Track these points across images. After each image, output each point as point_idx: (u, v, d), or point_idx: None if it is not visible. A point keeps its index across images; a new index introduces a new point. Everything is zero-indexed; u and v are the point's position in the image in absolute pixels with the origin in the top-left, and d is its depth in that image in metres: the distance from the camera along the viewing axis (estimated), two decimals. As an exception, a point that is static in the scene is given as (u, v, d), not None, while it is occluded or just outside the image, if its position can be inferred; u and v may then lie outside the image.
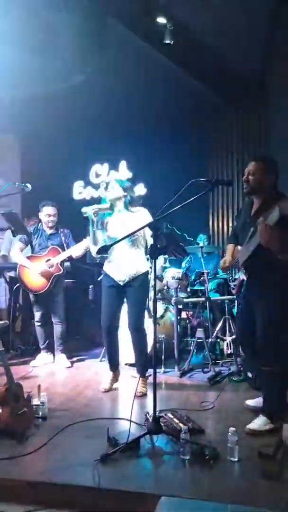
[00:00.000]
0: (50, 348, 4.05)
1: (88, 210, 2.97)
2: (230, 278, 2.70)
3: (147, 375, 3.13)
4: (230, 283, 2.70)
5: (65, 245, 3.96)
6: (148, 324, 3.24)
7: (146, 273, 3.09)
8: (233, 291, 2.70)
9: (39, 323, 4.01)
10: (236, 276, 2.60)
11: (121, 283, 3.03)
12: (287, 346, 2.36)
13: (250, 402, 2.67)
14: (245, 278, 2.46)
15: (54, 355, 4.04)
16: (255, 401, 2.64)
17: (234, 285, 2.63)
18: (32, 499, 1.84)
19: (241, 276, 2.50)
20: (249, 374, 3.19)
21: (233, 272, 2.63)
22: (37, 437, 2.29)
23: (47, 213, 3.96)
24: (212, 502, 1.58)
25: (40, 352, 4.05)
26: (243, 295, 2.58)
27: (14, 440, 2.22)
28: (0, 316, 4.84)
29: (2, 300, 4.91)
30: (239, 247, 2.54)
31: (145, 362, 3.10)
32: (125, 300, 3.12)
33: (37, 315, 4.00)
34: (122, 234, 2.64)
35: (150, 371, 3.35)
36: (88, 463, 1.98)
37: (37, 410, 2.55)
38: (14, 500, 1.85)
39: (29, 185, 3.02)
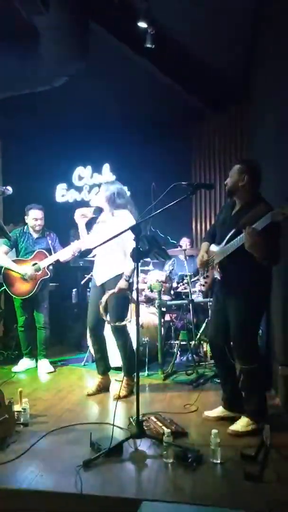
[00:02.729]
0: (32, 354, 4.00)
1: (77, 215, 3.13)
2: (201, 275, 2.71)
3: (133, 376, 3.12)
4: (200, 280, 2.72)
5: (52, 249, 3.93)
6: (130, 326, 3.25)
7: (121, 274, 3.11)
8: (203, 288, 2.72)
9: (22, 329, 3.96)
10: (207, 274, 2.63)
11: (98, 283, 3.12)
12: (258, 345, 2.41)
13: (210, 413, 2.60)
14: (218, 277, 2.49)
15: (36, 360, 3.99)
16: (215, 411, 2.61)
17: (205, 282, 2.64)
18: (13, 507, 1.81)
19: (215, 274, 2.52)
20: (217, 380, 3.22)
21: (207, 270, 2.65)
22: (19, 444, 2.25)
23: (34, 217, 3.92)
24: (195, 506, 1.58)
25: (22, 357, 3.99)
26: (215, 296, 2.61)
27: (-5, 448, 2.19)
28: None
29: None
30: (213, 246, 2.57)
31: (131, 363, 3.09)
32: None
33: (21, 320, 3.95)
34: (104, 236, 2.65)
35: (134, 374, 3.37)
36: (71, 469, 1.96)
37: (19, 416, 2.51)
38: (-5, 509, 1.82)
39: (10, 188, 2.97)
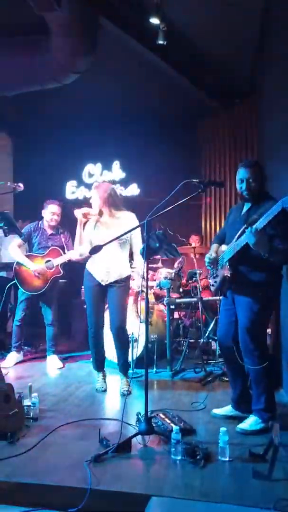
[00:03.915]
0: (21, 348, 4.02)
1: (78, 214, 3.05)
2: (210, 275, 2.70)
3: (130, 374, 3.19)
4: (210, 279, 2.71)
5: (65, 246, 3.93)
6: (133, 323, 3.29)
7: (129, 276, 3.15)
8: (212, 288, 2.71)
9: (18, 323, 3.93)
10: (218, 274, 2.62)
11: (103, 283, 3.07)
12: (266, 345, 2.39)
13: (218, 411, 2.61)
14: (228, 275, 2.48)
15: (23, 354, 4.03)
16: (223, 410, 2.61)
17: (215, 282, 2.63)
18: (23, 500, 1.83)
19: (224, 273, 2.51)
20: (225, 378, 3.22)
21: (215, 269, 2.63)
22: (28, 438, 2.28)
23: (51, 211, 3.89)
24: (203, 502, 1.58)
25: (10, 351, 3.97)
26: (225, 295, 2.59)
27: (5, 441, 2.21)
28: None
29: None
30: (223, 246, 2.56)
31: (127, 362, 3.19)
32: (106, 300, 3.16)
33: (20, 314, 3.93)
34: (108, 237, 2.66)
35: (141, 371, 3.39)
36: (80, 464, 1.98)
37: (28, 411, 2.53)
38: (5, 501, 1.84)
39: (21, 185, 3.00)
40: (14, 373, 3.65)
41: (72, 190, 6.09)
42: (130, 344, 3.39)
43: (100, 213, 3.10)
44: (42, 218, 3.98)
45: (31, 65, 3.89)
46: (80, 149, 5.69)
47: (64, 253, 3.89)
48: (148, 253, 2.33)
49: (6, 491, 1.85)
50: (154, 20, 3.57)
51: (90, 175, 6.02)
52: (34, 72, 3.93)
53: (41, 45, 3.83)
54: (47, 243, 3.92)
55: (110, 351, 3.48)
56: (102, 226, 3.09)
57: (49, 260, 3.85)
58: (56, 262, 3.84)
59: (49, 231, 3.96)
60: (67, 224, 4.26)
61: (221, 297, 2.71)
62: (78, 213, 3.05)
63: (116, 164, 5.84)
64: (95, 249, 2.46)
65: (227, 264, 2.46)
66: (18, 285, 3.90)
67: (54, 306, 3.98)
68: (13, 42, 4.00)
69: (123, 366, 3.16)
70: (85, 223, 3.10)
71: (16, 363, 3.92)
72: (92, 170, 6.00)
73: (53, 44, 3.65)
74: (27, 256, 3.88)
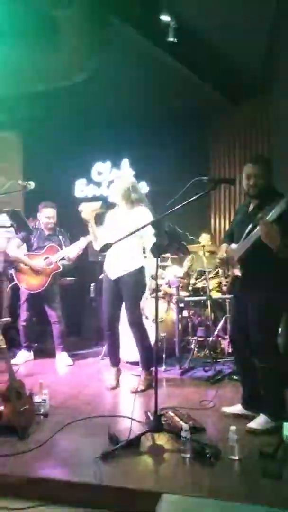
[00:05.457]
0: (31, 346, 4.08)
1: (83, 210, 3.06)
2: (223, 275, 2.69)
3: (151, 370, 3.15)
4: (222, 279, 2.70)
5: (63, 244, 3.99)
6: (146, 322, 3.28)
7: (141, 270, 3.10)
8: (224, 288, 2.70)
9: (24, 323, 4.00)
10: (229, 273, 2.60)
11: (112, 278, 3.09)
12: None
13: (228, 410, 2.60)
14: (239, 274, 2.47)
15: (33, 353, 4.08)
16: (233, 408, 2.59)
17: (227, 282, 2.63)
18: (34, 495, 1.85)
19: (235, 272, 2.50)
20: (234, 377, 3.21)
21: (227, 269, 2.62)
22: (39, 434, 2.30)
23: (46, 215, 3.99)
24: (214, 500, 1.59)
25: (20, 349, 4.05)
26: (235, 294, 2.58)
27: (16, 437, 2.23)
28: (2, 313, 4.84)
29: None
30: (233, 245, 2.55)
31: (148, 357, 3.12)
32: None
33: (24, 314, 3.99)
34: (120, 231, 2.67)
35: (152, 368, 3.39)
36: (90, 460, 1.99)
37: (39, 407, 2.56)
38: (16, 496, 1.86)
39: (32, 183, 3.03)
40: (24, 370, 3.69)
41: (81, 189, 6.11)
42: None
43: (107, 206, 3.13)
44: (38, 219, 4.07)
45: (42, 64, 3.90)
46: (89, 147, 5.70)
47: (62, 249, 3.93)
48: (158, 251, 2.33)
49: (17, 486, 1.88)
50: (165, 18, 3.56)
51: (100, 173, 6.03)
52: (45, 71, 3.94)
53: (52, 44, 3.83)
54: (44, 242, 3.99)
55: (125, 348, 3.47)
56: (116, 220, 3.11)
57: (47, 257, 3.89)
58: (54, 258, 3.88)
59: (47, 232, 4.03)
60: (76, 221, 4.28)
61: (231, 295, 2.71)
62: (84, 211, 3.05)
63: (125, 162, 5.84)
64: (106, 247, 2.47)
65: (237, 263, 2.45)
66: (19, 285, 3.94)
67: (58, 303, 4.01)
68: (24, 41, 4.02)
69: (143, 361, 3.14)
70: (95, 219, 3.12)
71: (26, 361, 3.97)
72: (102, 168, 6.02)
73: (64, 43, 3.66)
74: (26, 255, 3.94)
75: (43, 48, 3.92)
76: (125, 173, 5.60)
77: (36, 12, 3.37)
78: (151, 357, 3.07)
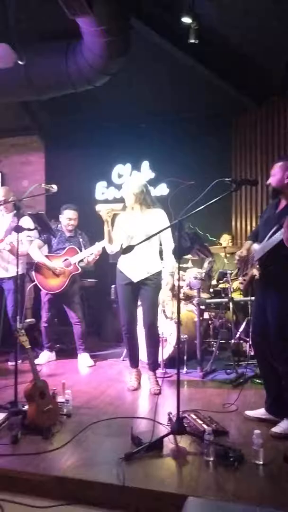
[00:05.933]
0: (53, 347, 4.14)
1: (102, 210, 3.03)
2: (239, 273, 2.66)
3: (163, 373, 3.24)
4: (239, 278, 2.68)
5: (82, 247, 4.04)
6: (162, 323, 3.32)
7: (160, 273, 3.13)
8: (241, 286, 2.68)
9: (46, 324, 4.06)
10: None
11: (135, 281, 3.10)
12: None
13: (251, 413, 2.57)
14: (256, 275, 2.43)
15: (55, 353, 4.15)
16: (256, 412, 2.55)
17: (244, 280, 2.60)
18: (57, 494, 1.88)
19: (254, 272, 2.46)
20: (257, 380, 3.17)
21: (245, 267, 2.59)
22: (62, 434, 2.33)
23: (68, 217, 4.04)
24: (240, 504, 1.57)
25: (43, 350, 4.11)
26: (256, 294, 2.55)
27: (40, 436, 2.27)
28: (26, 314, 4.93)
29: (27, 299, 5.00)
30: (255, 245, 2.51)
31: (156, 360, 3.22)
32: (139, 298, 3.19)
33: (46, 315, 4.05)
34: (139, 233, 2.67)
35: (171, 370, 3.39)
36: (113, 460, 2.00)
37: (62, 407, 2.59)
38: (40, 494, 1.89)
39: (54, 186, 3.07)
40: (47, 371, 3.75)
41: (102, 191, 6.15)
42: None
43: (129, 209, 3.13)
44: (60, 221, 4.12)
45: (64, 68, 3.96)
46: (109, 150, 5.74)
47: (81, 251, 3.98)
48: (180, 253, 2.32)
49: (42, 485, 1.91)
50: (186, 20, 3.55)
51: (120, 176, 6.06)
52: (67, 75, 3.99)
53: (73, 48, 3.89)
54: (64, 244, 4.04)
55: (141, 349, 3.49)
56: (132, 223, 3.11)
57: (66, 259, 3.94)
58: (73, 260, 3.94)
59: (68, 234, 4.09)
60: (96, 224, 4.33)
61: (253, 297, 2.67)
62: (102, 211, 3.03)
63: (145, 164, 5.85)
64: (127, 249, 2.48)
65: (257, 263, 2.42)
66: (39, 286, 4.01)
67: (78, 304, 4.05)
68: (46, 47, 4.09)
69: (153, 364, 3.18)
70: (112, 221, 3.12)
71: (49, 361, 4.03)
72: (122, 170, 6.04)
73: (85, 47, 3.70)
74: (46, 256, 4.00)
75: (65, 53, 3.98)
76: (135, 176, 5.59)
77: (57, 18, 3.42)
78: (157, 361, 3.24)
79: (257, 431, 2.03)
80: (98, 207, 3.08)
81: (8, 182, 6.12)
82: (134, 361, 3.29)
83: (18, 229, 2.77)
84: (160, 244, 3.16)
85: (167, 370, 3.50)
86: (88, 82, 4.10)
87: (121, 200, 3.34)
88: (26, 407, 2.40)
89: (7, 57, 3.52)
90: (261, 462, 1.98)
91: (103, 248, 3.60)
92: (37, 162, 6.18)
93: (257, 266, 2.42)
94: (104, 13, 3.24)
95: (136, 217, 3.11)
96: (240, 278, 2.67)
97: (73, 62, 3.91)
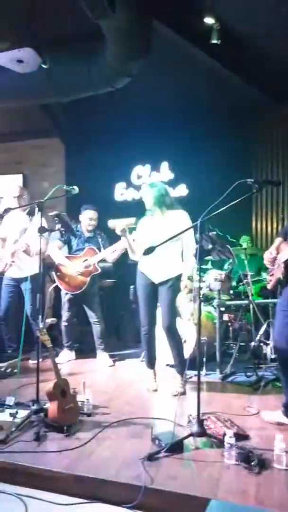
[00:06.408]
0: (73, 346, 4.18)
1: (115, 226, 3.11)
2: (268, 272, 2.63)
3: (185, 374, 3.16)
4: (267, 277, 2.65)
5: (102, 247, 4.07)
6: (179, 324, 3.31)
7: (180, 275, 3.13)
8: (268, 286, 2.65)
9: (66, 323, 4.10)
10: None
11: (156, 282, 3.11)
12: None
13: (267, 415, 2.53)
14: (280, 277, 2.38)
15: (75, 353, 4.18)
16: (274, 415, 2.50)
17: (270, 280, 2.56)
18: (78, 492, 1.90)
19: (279, 272, 2.42)
20: (278, 383, 3.12)
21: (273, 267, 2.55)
22: (83, 433, 2.35)
23: (88, 217, 4.08)
24: (263, 509, 1.55)
25: (63, 349, 4.15)
26: (279, 296, 2.50)
27: (61, 435, 2.30)
28: (47, 314, 4.99)
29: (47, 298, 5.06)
30: (283, 244, 2.47)
31: (183, 361, 3.14)
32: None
33: (66, 315, 4.09)
34: (160, 236, 2.67)
35: (189, 372, 3.37)
36: (133, 461, 2.01)
37: (82, 406, 2.62)
38: (61, 491, 1.92)
39: (76, 188, 3.10)
40: (67, 370, 3.78)
41: (121, 192, 6.18)
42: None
43: (149, 213, 3.16)
44: (80, 221, 4.15)
45: (85, 71, 3.99)
46: (128, 151, 5.76)
47: (100, 252, 4.00)
48: (201, 255, 2.31)
49: (63, 482, 1.93)
50: (208, 20, 3.54)
51: (139, 177, 6.07)
52: (88, 78, 4.03)
53: (94, 51, 3.92)
54: (84, 245, 4.08)
55: (160, 351, 3.48)
56: (154, 226, 3.13)
57: (86, 260, 3.97)
58: (93, 260, 3.96)
59: (87, 234, 4.12)
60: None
61: (276, 299, 2.64)
62: (117, 227, 3.10)
63: (164, 165, 5.85)
64: (149, 250, 2.48)
65: (283, 265, 2.38)
66: (60, 286, 4.06)
67: (97, 303, 4.08)
68: (67, 50, 4.14)
69: (178, 366, 3.16)
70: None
71: (69, 360, 4.07)
72: (141, 171, 6.06)
73: (107, 49, 3.73)
74: (66, 257, 4.05)
75: (86, 56, 4.01)
76: (152, 179, 5.59)
77: (78, 21, 3.45)
78: (185, 362, 3.10)
79: (279, 435, 2.00)
80: (111, 224, 3.16)
81: (29, 183, 6.22)
82: (151, 362, 3.29)
83: (42, 230, 2.80)
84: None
85: (186, 372, 3.49)
86: (109, 84, 4.13)
87: (140, 201, 3.35)
88: (47, 405, 2.44)
89: (32, 61, 3.58)
90: (283, 467, 1.95)
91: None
92: (57, 164, 6.26)
93: (282, 267, 2.38)
94: (126, 16, 3.25)
95: (157, 221, 3.13)
96: (267, 276, 2.64)
97: (95, 64, 3.94)
